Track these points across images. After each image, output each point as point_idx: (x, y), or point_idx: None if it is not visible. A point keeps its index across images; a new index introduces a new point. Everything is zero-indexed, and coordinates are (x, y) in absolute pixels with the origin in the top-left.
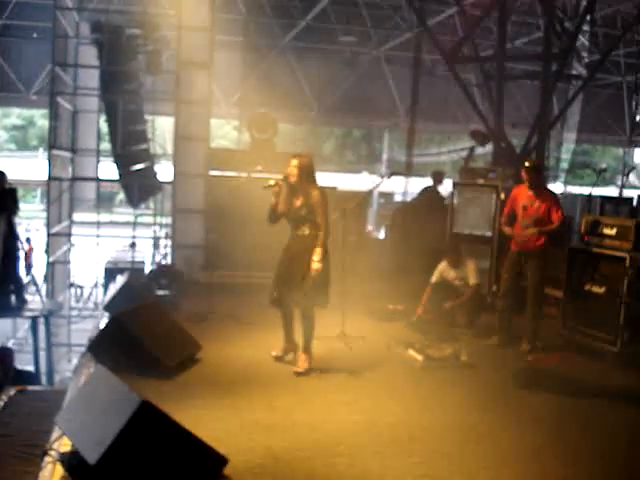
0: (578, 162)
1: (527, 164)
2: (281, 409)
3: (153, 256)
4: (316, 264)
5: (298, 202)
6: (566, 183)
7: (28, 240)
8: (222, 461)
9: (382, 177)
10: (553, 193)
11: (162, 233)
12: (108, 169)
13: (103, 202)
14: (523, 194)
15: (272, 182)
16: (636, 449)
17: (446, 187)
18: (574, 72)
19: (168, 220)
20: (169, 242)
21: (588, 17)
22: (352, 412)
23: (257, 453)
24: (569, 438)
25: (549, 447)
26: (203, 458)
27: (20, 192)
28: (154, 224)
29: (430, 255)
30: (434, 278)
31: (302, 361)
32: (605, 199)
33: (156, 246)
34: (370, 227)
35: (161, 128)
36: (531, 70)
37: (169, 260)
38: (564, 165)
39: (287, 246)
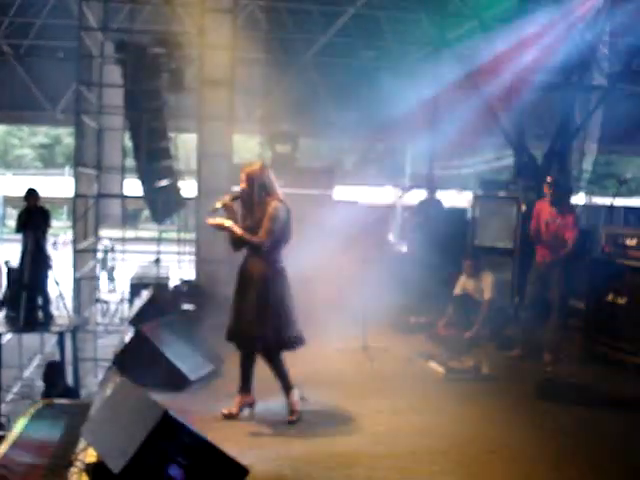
0: (602, 172)
1: (549, 180)
2: (303, 421)
3: (177, 271)
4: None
5: (253, 220)
6: (590, 194)
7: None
8: (243, 471)
9: (403, 191)
10: (573, 209)
11: (186, 249)
12: (133, 186)
13: (128, 218)
14: (545, 210)
15: (218, 204)
16: None
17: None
18: (595, 83)
19: (192, 236)
20: (193, 257)
21: (608, 27)
22: (373, 423)
23: (277, 463)
24: (590, 450)
25: (570, 459)
26: (224, 468)
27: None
28: (178, 240)
29: (452, 268)
30: (456, 290)
31: (293, 405)
32: (628, 210)
33: (180, 261)
34: (393, 240)
35: (184, 145)
36: (552, 81)
37: (193, 275)
38: (587, 176)
39: (241, 270)
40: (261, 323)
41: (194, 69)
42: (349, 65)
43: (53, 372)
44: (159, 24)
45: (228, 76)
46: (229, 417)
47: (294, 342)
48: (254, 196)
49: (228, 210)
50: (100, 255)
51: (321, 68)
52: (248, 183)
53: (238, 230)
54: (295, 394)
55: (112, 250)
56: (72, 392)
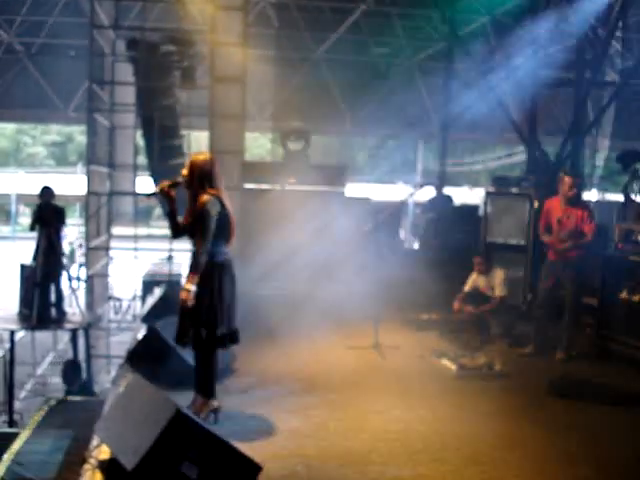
0: (614, 169)
1: (563, 176)
2: (315, 418)
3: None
4: (183, 291)
5: (189, 212)
6: (602, 190)
7: None
8: (256, 468)
9: (415, 188)
10: (587, 204)
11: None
12: (145, 183)
13: (140, 216)
14: (557, 207)
15: (149, 192)
16: None
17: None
18: (608, 79)
19: None
20: None
21: (620, 23)
22: (385, 420)
23: (291, 461)
24: (602, 447)
25: (582, 456)
26: (238, 465)
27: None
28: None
29: (464, 265)
30: (467, 287)
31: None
32: None
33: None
34: (404, 237)
35: (196, 142)
36: (564, 77)
37: None
38: (599, 172)
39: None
40: (194, 319)
41: (205, 66)
42: (360, 62)
43: (71, 370)
44: (170, 22)
45: (240, 73)
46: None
47: (226, 340)
48: (193, 185)
49: (166, 196)
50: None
51: (332, 65)
52: (189, 170)
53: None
54: (213, 404)
55: (80, 246)
56: (89, 389)
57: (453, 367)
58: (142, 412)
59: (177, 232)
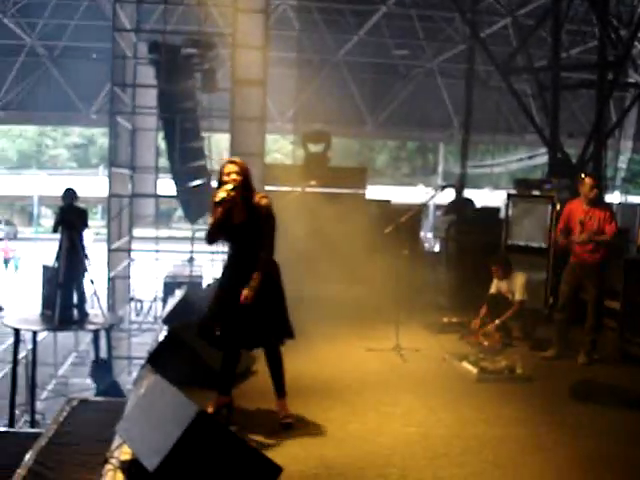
0: (636, 171)
1: (583, 177)
2: (335, 420)
3: (210, 271)
4: (247, 291)
5: (241, 217)
6: (625, 193)
7: None
8: (277, 470)
9: (436, 190)
10: (608, 205)
11: (219, 248)
12: (166, 186)
13: (162, 218)
14: (578, 209)
15: (224, 195)
16: None
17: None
18: (630, 80)
19: None
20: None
21: None
22: (406, 424)
23: (311, 463)
24: (625, 451)
25: (605, 460)
26: (258, 467)
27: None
28: None
29: (486, 267)
30: (492, 289)
31: (286, 409)
32: None
33: (213, 260)
34: (425, 240)
35: (217, 145)
36: (587, 79)
37: None
38: (622, 174)
39: (230, 273)
40: (260, 318)
41: (227, 69)
42: (381, 64)
43: (100, 368)
44: (192, 25)
45: (260, 76)
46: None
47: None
48: (250, 187)
49: (231, 201)
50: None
51: (353, 67)
52: (243, 174)
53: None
54: (222, 399)
55: (15, 237)
56: (118, 388)
57: (474, 370)
58: (163, 413)
59: (219, 236)
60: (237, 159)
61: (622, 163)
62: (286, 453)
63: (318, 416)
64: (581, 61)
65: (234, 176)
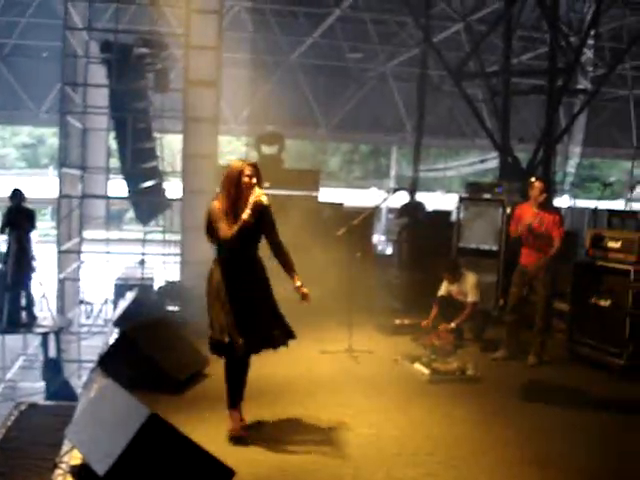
0: (586, 176)
1: (533, 181)
2: (288, 423)
3: (162, 273)
4: (306, 289)
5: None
6: (574, 197)
7: None
8: (229, 473)
9: (389, 193)
10: (557, 210)
11: (171, 250)
12: (117, 187)
13: (112, 219)
14: (528, 212)
15: (265, 201)
16: (634, 458)
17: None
18: (580, 86)
19: (177, 237)
20: (178, 258)
21: (593, 31)
22: (359, 425)
23: (264, 465)
24: (574, 450)
25: (555, 459)
26: (211, 470)
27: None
28: (163, 241)
29: (438, 270)
30: (441, 291)
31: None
32: (612, 213)
33: (165, 263)
34: (377, 242)
35: (170, 146)
36: (537, 85)
37: (178, 276)
38: (571, 179)
39: (233, 277)
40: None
41: (180, 70)
42: (334, 67)
43: (51, 368)
44: (144, 24)
45: (214, 77)
46: (239, 440)
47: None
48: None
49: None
50: None
51: (307, 69)
52: (258, 172)
53: None
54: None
55: None
56: (70, 389)
57: (426, 372)
58: (114, 417)
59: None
60: (253, 161)
61: (571, 168)
62: (239, 456)
63: (271, 419)
64: (532, 67)
65: (255, 180)
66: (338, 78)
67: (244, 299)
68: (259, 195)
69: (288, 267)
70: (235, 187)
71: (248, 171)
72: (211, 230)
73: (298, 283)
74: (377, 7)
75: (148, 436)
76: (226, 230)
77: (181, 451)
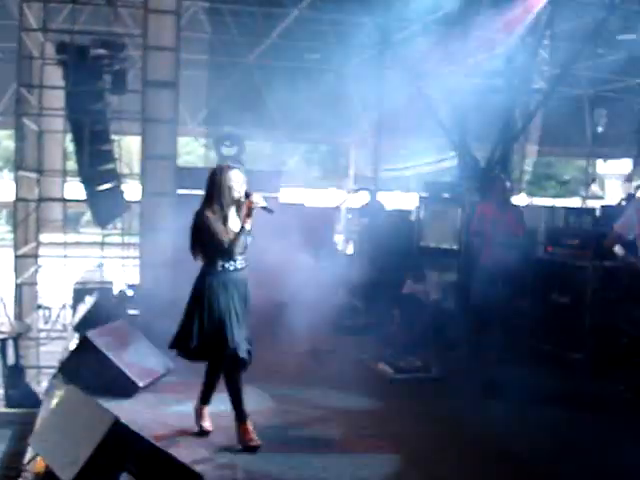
0: (541, 174)
1: (495, 180)
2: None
3: (121, 276)
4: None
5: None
6: (530, 195)
7: None
8: (197, 477)
9: (348, 193)
10: (518, 207)
11: (130, 253)
12: (74, 189)
13: (69, 222)
14: (490, 210)
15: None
16: (595, 452)
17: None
18: (536, 86)
19: (136, 239)
20: (137, 262)
21: (548, 31)
22: (324, 426)
23: (230, 469)
24: (535, 445)
25: (516, 455)
26: (177, 475)
27: None
28: (122, 244)
29: (399, 269)
30: (405, 289)
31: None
32: (568, 210)
33: (124, 266)
34: (338, 242)
35: (128, 147)
36: (494, 84)
37: (138, 280)
38: (528, 177)
39: (227, 286)
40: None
41: (137, 71)
42: (292, 67)
43: (14, 373)
44: (101, 25)
45: (172, 78)
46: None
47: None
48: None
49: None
50: None
51: (264, 70)
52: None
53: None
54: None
55: None
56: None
57: (389, 370)
58: (79, 423)
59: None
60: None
61: (527, 166)
62: (205, 460)
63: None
64: (489, 67)
65: (244, 186)
66: (296, 79)
67: (242, 310)
68: (256, 198)
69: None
70: (223, 193)
71: (238, 178)
72: (204, 239)
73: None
74: (335, 8)
75: (114, 442)
76: (225, 235)
77: (147, 457)
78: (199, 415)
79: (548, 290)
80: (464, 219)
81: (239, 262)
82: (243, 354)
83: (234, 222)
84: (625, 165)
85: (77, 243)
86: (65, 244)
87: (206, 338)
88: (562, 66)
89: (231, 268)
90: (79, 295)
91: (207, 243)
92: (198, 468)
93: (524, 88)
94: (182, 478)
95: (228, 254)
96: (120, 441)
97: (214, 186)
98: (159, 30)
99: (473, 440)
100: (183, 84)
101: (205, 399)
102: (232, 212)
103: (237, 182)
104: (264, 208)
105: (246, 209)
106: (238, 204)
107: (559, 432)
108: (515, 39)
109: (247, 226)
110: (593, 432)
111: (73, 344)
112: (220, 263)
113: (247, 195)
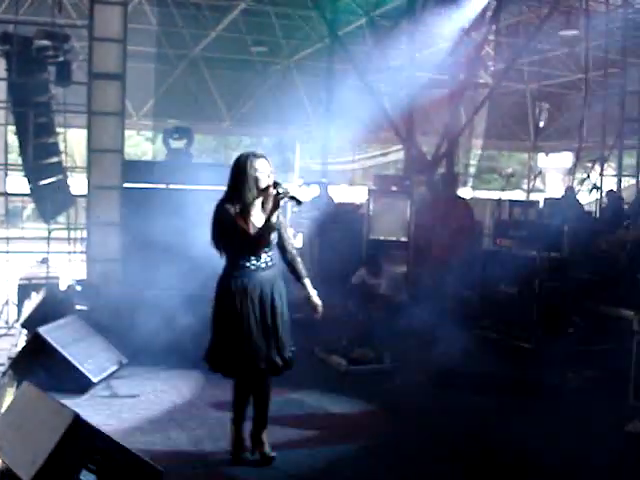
0: (485, 167)
1: (443, 174)
2: (213, 420)
3: (68, 271)
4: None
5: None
6: (474, 188)
7: None
8: (158, 473)
9: (300, 186)
10: (467, 201)
11: (77, 247)
12: (17, 183)
13: (12, 217)
14: (437, 203)
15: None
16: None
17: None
18: (481, 80)
19: (83, 234)
20: (84, 256)
21: (493, 27)
22: (281, 420)
23: (191, 465)
24: (485, 430)
25: (467, 439)
26: (138, 472)
27: None
28: (68, 238)
29: (349, 261)
30: (354, 280)
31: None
32: (513, 203)
33: (71, 261)
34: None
35: (73, 140)
36: (440, 79)
37: (85, 275)
38: (472, 170)
39: (247, 288)
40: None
41: (82, 63)
42: (239, 60)
43: None
44: (45, 15)
45: (119, 70)
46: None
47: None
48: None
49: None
50: None
51: (211, 63)
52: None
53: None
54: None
55: None
56: None
57: (343, 362)
58: (37, 421)
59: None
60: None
61: (472, 160)
62: (166, 456)
63: (191, 415)
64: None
65: (272, 176)
66: (242, 71)
67: (267, 315)
68: (284, 187)
69: (299, 273)
70: (248, 183)
71: (262, 166)
72: (228, 233)
73: (311, 292)
74: (281, 0)
75: (74, 439)
76: (246, 230)
77: (108, 453)
78: (236, 439)
79: (496, 281)
80: (412, 212)
81: (262, 260)
82: (262, 364)
83: (258, 216)
84: (565, 158)
85: (21, 238)
86: (7, 239)
87: (224, 351)
88: (506, 61)
89: (252, 267)
90: (24, 291)
91: (226, 239)
92: (158, 464)
93: (469, 83)
94: (143, 474)
95: (250, 251)
96: (80, 438)
97: (238, 176)
98: (106, 21)
99: (426, 427)
100: (128, 76)
101: (237, 420)
102: (257, 205)
103: (263, 172)
104: (292, 198)
105: (272, 201)
106: (264, 196)
107: (506, 419)
108: (461, 34)
109: (273, 219)
110: (541, 420)
111: (22, 341)
112: (241, 262)
113: (275, 185)
